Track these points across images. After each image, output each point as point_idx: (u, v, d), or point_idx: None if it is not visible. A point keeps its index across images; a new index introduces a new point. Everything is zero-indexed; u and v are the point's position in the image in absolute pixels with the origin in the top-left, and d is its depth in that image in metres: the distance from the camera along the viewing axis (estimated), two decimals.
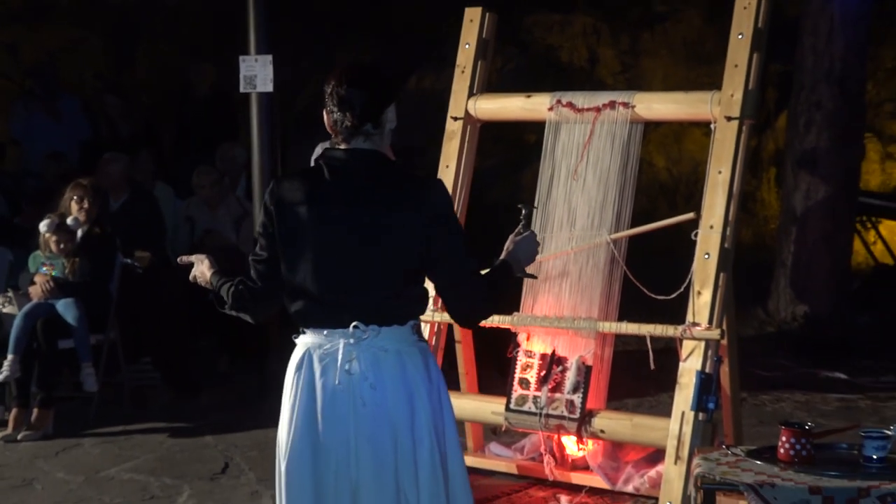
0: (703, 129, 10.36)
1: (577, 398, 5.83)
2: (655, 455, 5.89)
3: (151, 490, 6.37)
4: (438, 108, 6.80)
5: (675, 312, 5.71)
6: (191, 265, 3.99)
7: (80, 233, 7.82)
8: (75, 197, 7.84)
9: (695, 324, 5.51)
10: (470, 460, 6.34)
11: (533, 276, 4.61)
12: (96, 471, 6.73)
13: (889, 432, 4.15)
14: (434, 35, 11.42)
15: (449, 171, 6.40)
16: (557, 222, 6.05)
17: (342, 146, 3.71)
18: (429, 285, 3.75)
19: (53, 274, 7.68)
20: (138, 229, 8.56)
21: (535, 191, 6.14)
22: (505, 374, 6.16)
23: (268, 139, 8.07)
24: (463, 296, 3.72)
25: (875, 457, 4.10)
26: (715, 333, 5.48)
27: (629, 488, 5.89)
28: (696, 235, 5.63)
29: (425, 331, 6.12)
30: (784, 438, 4.16)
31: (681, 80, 11.81)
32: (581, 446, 6.01)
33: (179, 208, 9.54)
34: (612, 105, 5.98)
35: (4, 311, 7.80)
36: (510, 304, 5.89)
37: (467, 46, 6.47)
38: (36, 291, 7.63)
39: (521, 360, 6.05)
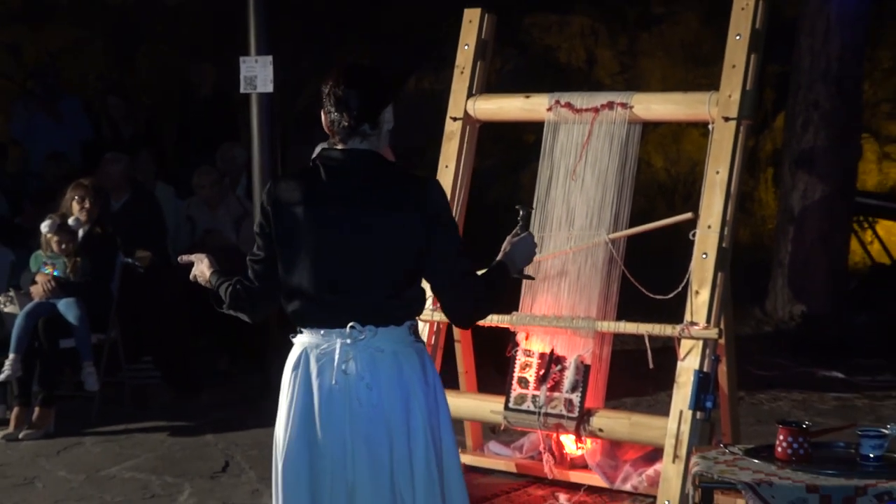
0: (700, 129, 10.42)
1: (575, 397, 5.82)
2: (654, 454, 5.89)
3: (152, 488, 6.38)
4: (438, 108, 6.80)
5: (673, 312, 5.72)
6: (191, 264, 4.00)
7: (81, 233, 7.83)
8: (76, 197, 7.84)
9: (693, 323, 5.52)
10: (469, 459, 6.35)
11: (530, 278, 4.61)
12: (97, 469, 6.74)
13: (886, 431, 4.16)
14: (433, 36, 11.42)
15: (448, 171, 6.40)
16: (556, 222, 6.05)
17: (339, 146, 3.71)
18: (425, 286, 3.74)
19: (55, 273, 7.69)
20: (139, 229, 8.57)
21: (533, 191, 6.14)
22: (504, 373, 6.15)
23: (268, 139, 8.04)
24: (459, 296, 3.72)
25: (872, 455, 4.12)
26: (713, 333, 5.48)
27: (627, 487, 5.89)
28: (693, 235, 5.63)
29: (424, 330, 6.15)
30: (781, 437, 4.17)
31: (679, 80, 11.81)
32: (580, 445, 6.01)
33: (180, 208, 9.54)
34: (610, 105, 5.98)
35: (6, 310, 7.81)
36: (507, 304, 5.89)
37: (466, 47, 6.46)
38: (37, 291, 7.64)
39: (520, 359, 6.04)
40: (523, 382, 5.99)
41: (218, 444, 7.20)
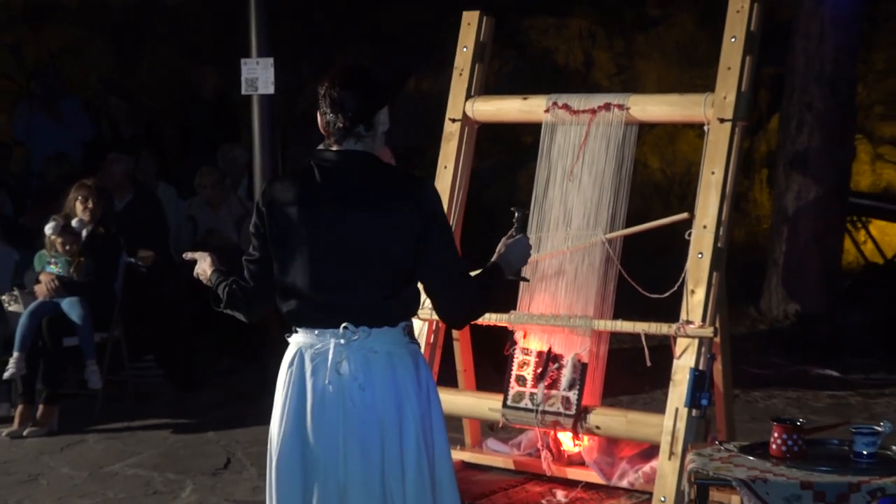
0: (696, 130, 10.45)
1: (572, 395, 5.81)
2: (650, 451, 5.87)
3: (155, 485, 6.41)
4: (437, 109, 6.78)
5: (669, 311, 5.71)
6: (195, 261, 4.03)
7: (84, 233, 7.84)
8: (80, 197, 7.86)
9: (688, 322, 5.50)
10: (467, 456, 6.36)
11: (525, 279, 4.62)
12: (100, 466, 6.77)
13: (879, 428, 4.18)
14: (432, 38, 11.38)
15: (447, 171, 6.38)
16: (554, 222, 6.04)
17: (334, 148, 3.72)
18: (420, 286, 3.75)
19: (58, 272, 7.72)
20: (142, 229, 8.58)
21: (531, 191, 6.14)
22: (502, 371, 6.14)
23: (269, 140, 8.08)
24: (452, 296, 3.73)
25: (865, 452, 4.13)
26: (708, 331, 5.48)
27: (624, 483, 5.89)
28: (689, 235, 5.62)
29: (423, 329, 6.14)
30: (776, 434, 4.18)
31: (674, 82, 11.77)
32: (577, 442, 6.02)
33: (182, 208, 9.54)
34: (607, 107, 5.97)
35: (10, 309, 7.85)
36: (499, 305, 5.85)
37: (465, 49, 6.45)
38: (41, 290, 7.67)
39: (518, 357, 6.03)
40: (521, 380, 5.98)
41: (219, 441, 7.23)
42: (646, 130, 11.02)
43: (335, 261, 3.64)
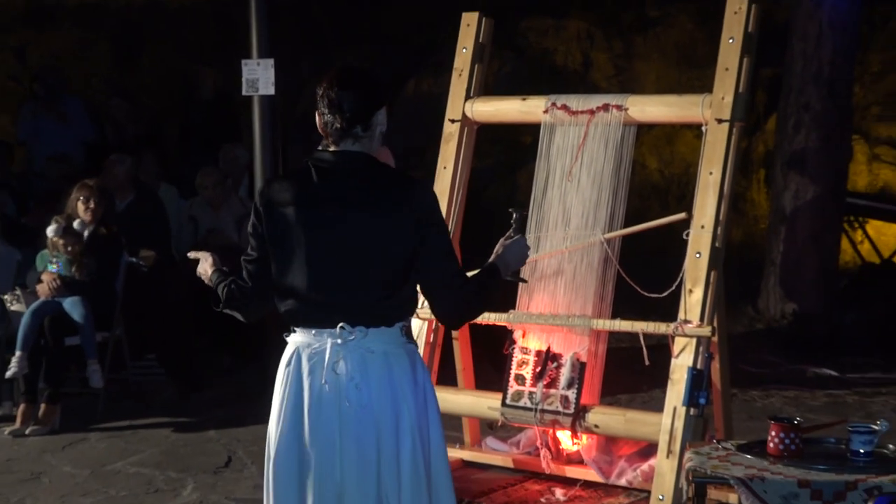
0: (694, 131, 10.44)
1: (571, 394, 5.83)
2: (648, 449, 5.89)
3: (156, 483, 6.42)
4: (437, 110, 6.79)
5: (668, 310, 5.73)
6: (198, 261, 4.04)
7: (86, 233, 7.85)
8: (81, 197, 7.87)
9: (686, 321, 5.53)
10: (467, 454, 6.39)
11: (523, 280, 4.61)
12: (102, 464, 6.78)
13: (876, 427, 4.19)
14: (432, 39, 11.37)
15: (446, 171, 6.40)
16: (552, 222, 6.06)
17: (332, 148, 3.72)
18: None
19: (60, 272, 7.73)
20: (143, 229, 8.57)
21: (530, 191, 6.15)
22: (501, 370, 6.14)
23: (270, 141, 8.09)
24: (448, 297, 3.73)
25: (862, 451, 4.15)
26: (706, 330, 5.50)
27: (622, 482, 5.92)
28: (687, 235, 5.65)
29: (423, 328, 6.16)
30: (773, 433, 4.20)
31: (673, 83, 11.75)
32: (575, 441, 6.04)
33: (183, 208, 9.54)
34: (605, 108, 5.99)
35: (13, 308, 7.86)
36: (498, 304, 5.87)
37: (464, 50, 6.46)
38: (43, 290, 7.68)
39: (517, 356, 6.05)
40: (520, 379, 6.00)
41: (220, 439, 7.24)
42: (644, 131, 11.02)
43: (332, 261, 3.65)
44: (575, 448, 6.09)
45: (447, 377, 6.55)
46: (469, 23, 6.50)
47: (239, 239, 8.95)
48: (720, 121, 5.69)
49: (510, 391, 6.03)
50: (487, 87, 6.73)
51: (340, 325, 3.63)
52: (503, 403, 6.03)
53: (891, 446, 4.30)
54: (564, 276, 6.02)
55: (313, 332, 3.68)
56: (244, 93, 8.05)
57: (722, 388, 5.85)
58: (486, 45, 6.52)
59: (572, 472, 6.06)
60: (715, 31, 5.98)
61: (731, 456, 4.25)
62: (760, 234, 11.64)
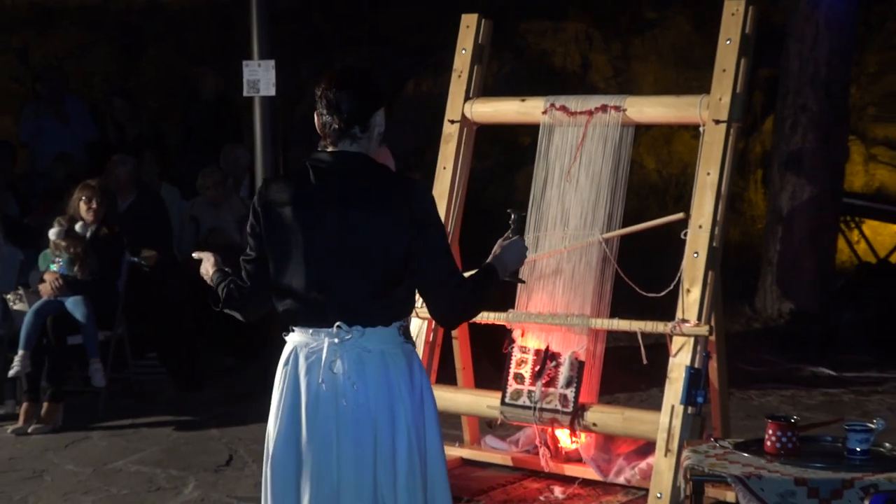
0: (692, 131, 10.43)
1: (570, 392, 5.85)
2: (646, 447, 5.90)
3: (158, 481, 6.43)
4: (436, 111, 6.80)
5: (665, 309, 5.73)
6: (201, 261, 4.06)
7: (88, 233, 7.86)
8: (84, 197, 7.87)
9: (684, 320, 5.55)
10: (466, 453, 6.40)
11: (521, 281, 4.60)
12: (104, 463, 6.78)
13: (872, 425, 4.20)
14: (431, 41, 11.34)
15: (446, 172, 6.42)
16: (551, 222, 6.08)
17: (329, 149, 3.72)
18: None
19: (63, 271, 7.74)
20: (145, 229, 8.58)
21: (529, 192, 6.17)
22: (500, 369, 6.15)
23: (270, 141, 8.11)
24: (445, 297, 3.72)
25: (859, 449, 4.15)
26: (704, 330, 5.52)
27: (621, 480, 5.94)
28: (685, 235, 5.67)
29: (423, 328, 6.18)
30: (770, 431, 4.20)
31: (670, 84, 11.77)
32: (574, 439, 6.06)
33: (185, 208, 9.55)
34: (604, 108, 6.01)
35: (15, 307, 7.88)
36: (497, 304, 5.90)
37: (464, 52, 6.48)
38: (46, 289, 7.69)
39: (516, 355, 6.07)
40: (519, 378, 6.02)
41: (222, 438, 7.25)
42: (642, 132, 11.04)
43: (329, 261, 3.65)
44: (573, 446, 6.11)
45: (446, 376, 6.57)
46: (468, 24, 6.53)
47: (240, 239, 8.94)
48: (717, 121, 5.72)
49: (509, 390, 6.05)
50: (486, 88, 6.72)
51: (337, 324, 3.63)
52: (502, 402, 6.05)
53: (887, 444, 4.33)
54: (563, 276, 6.04)
55: (311, 331, 3.69)
56: (245, 94, 8.06)
57: (719, 387, 5.88)
58: (485, 46, 6.54)
59: (571, 470, 6.07)
60: (712, 33, 6.01)
61: (728, 454, 4.25)
62: (758, 234, 11.66)
